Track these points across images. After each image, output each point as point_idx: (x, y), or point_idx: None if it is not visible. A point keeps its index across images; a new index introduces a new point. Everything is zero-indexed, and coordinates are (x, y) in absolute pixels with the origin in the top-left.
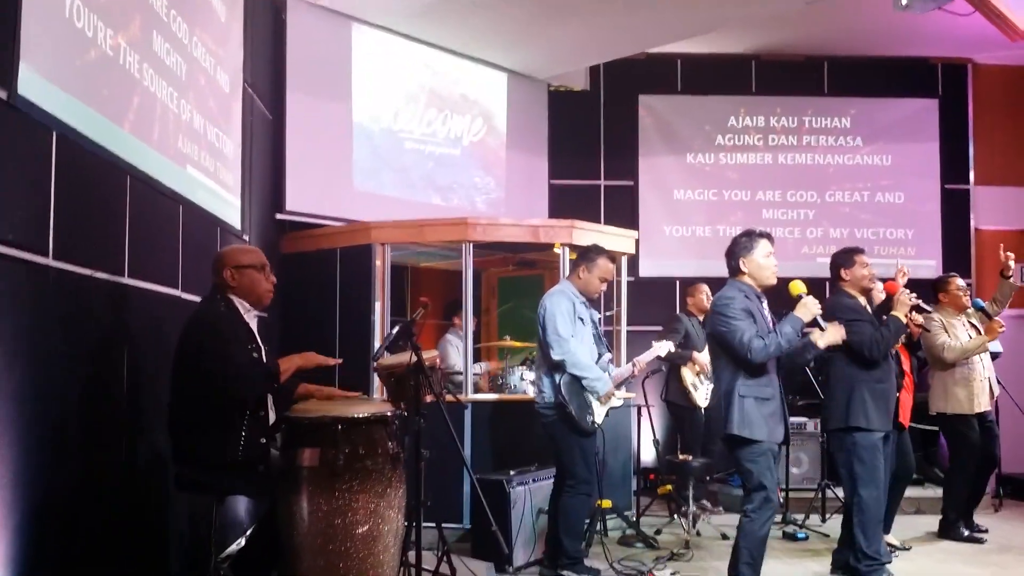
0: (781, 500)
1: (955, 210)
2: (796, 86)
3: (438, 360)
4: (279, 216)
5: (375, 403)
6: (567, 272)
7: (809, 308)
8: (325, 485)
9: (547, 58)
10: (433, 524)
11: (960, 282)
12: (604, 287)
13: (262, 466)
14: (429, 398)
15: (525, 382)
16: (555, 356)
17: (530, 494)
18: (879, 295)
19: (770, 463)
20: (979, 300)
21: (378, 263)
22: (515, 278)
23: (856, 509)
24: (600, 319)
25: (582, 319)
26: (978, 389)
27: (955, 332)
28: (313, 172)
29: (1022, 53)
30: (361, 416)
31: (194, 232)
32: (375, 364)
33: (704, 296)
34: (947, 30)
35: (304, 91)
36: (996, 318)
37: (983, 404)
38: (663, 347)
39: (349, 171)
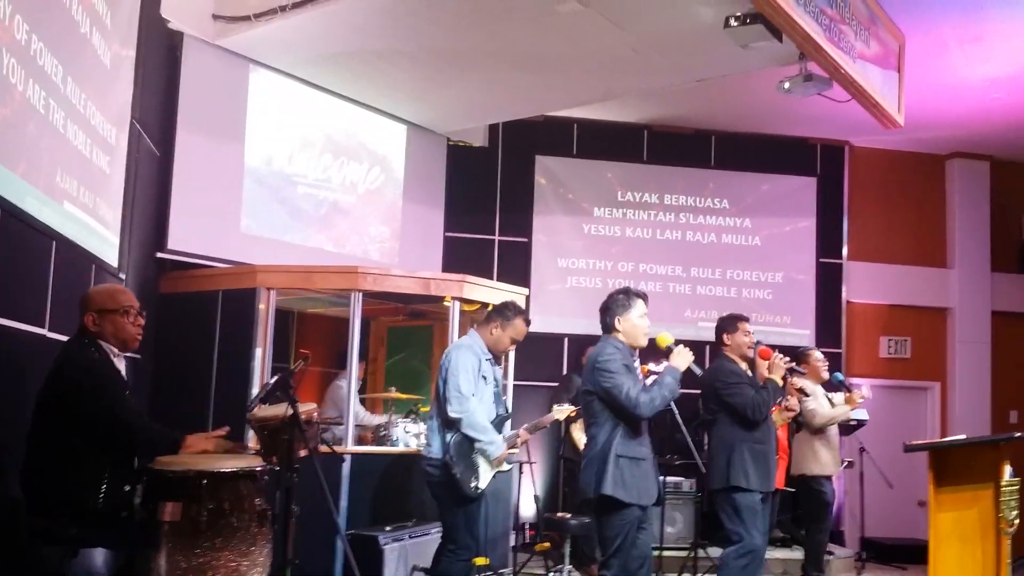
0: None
1: (829, 283)
2: (685, 158)
3: (315, 413)
4: (160, 255)
5: (244, 457)
6: (457, 326)
7: (683, 356)
8: (186, 542)
9: (447, 113)
10: None
11: (819, 354)
12: (513, 348)
13: (125, 513)
14: (303, 452)
15: (409, 435)
16: (452, 413)
17: (406, 551)
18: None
19: (633, 531)
20: (839, 374)
21: (262, 307)
22: (405, 328)
23: (724, 567)
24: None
25: (485, 377)
26: (835, 454)
27: (817, 401)
28: (199, 212)
29: (895, 139)
30: (228, 471)
31: (67, 269)
32: (249, 415)
33: None
34: (827, 114)
35: (195, 130)
36: (858, 389)
37: (838, 468)
38: (562, 411)
39: (237, 212)
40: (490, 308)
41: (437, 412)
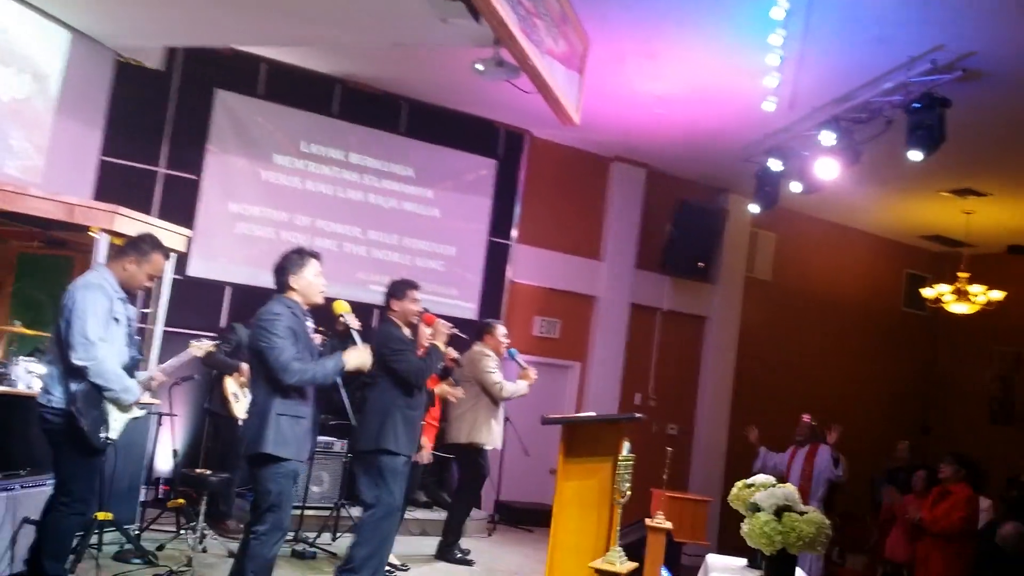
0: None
1: (496, 262)
2: (376, 120)
3: None
4: None
5: None
6: (102, 259)
7: (360, 358)
8: None
9: (120, 27)
10: None
11: (503, 329)
12: (151, 284)
13: None
14: None
15: (32, 376)
16: (77, 361)
17: (15, 502)
18: (425, 332)
19: (290, 485)
20: (514, 350)
21: None
22: (40, 257)
23: (363, 527)
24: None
25: (117, 319)
26: (502, 427)
27: (496, 374)
28: None
29: (570, 135)
30: None
31: None
32: None
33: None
34: (514, 101)
35: None
36: (529, 368)
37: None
38: (200, 348)
39: None
40: (122, 242)
41: (59, 357)
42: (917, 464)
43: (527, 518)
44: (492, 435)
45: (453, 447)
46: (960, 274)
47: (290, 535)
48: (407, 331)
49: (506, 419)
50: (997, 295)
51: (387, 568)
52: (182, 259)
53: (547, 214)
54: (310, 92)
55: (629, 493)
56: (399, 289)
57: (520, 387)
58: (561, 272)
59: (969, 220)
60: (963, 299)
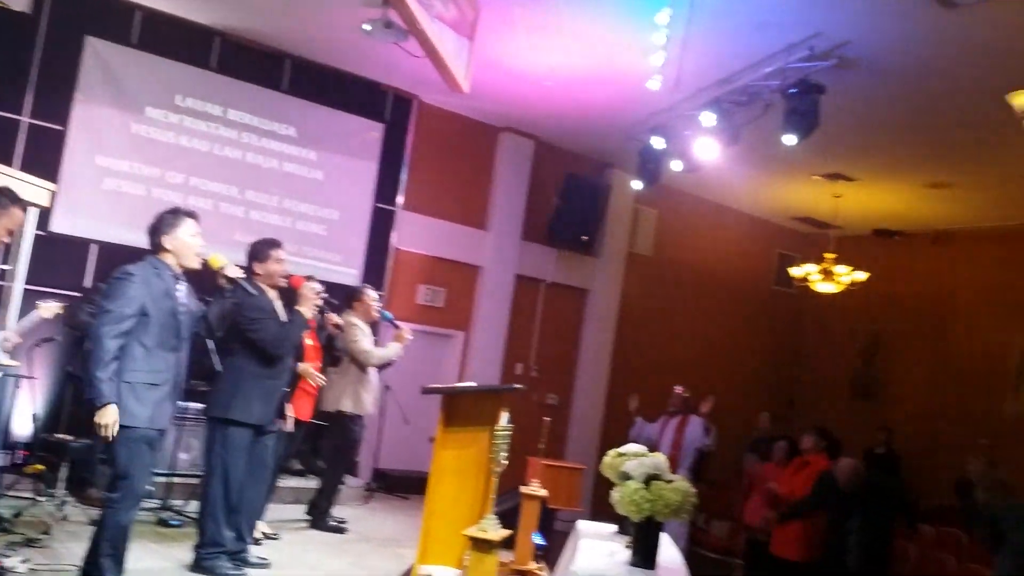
0: (152, 488)
1: (381, 227)
2: (256, 76)
3: None
4: None
5: None
6: None
7: None
8: None
9: None
10: None
11: (373, 293)
12: (8, 239)
13: None
14: None
15: None
16: None
17: None
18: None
19: (143, 451)
20: (388, 313)
21: None
22: None
23: (207, 498)
24: None
25: None
26: (375, 394)
27: (366, 340)
28: None
29: (459, 103)
30: None
31: None
32: None
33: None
34: (402, 64)
35: None
36: (404, 328)
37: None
38: (48, 309)
39: None
40: None
41: None
42: (778, 435)
43: (404, 486)
44: (359, 402)
45: (324, 415)
46: (827, 255)
47: (156, 503)
48: (273, 294)
49: (386, 387)
50: (861, 276)
51: (257, 536)
52: (45, 214)
53: (434, 181)
54: (187, 43)
55: (505, 462)
56: (260, 251)
57: (391, 350)
58: (447, 241)
59: (838, 203)
60: (829, 279)
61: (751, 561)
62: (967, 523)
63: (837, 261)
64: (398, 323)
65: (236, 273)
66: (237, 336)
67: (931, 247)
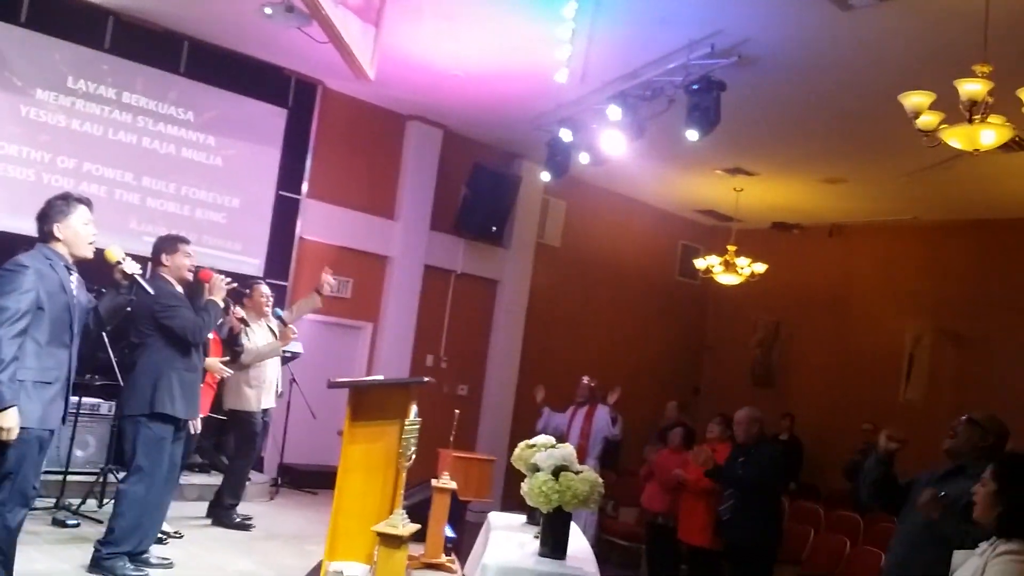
0: (39, 488)
1: (285, 216)
2: (152, 58)
3: None
4: None
5: None
6: None
7: None
8: None
9: None
10: None
11: (265, 289)
12: None
13: None
14: None
15: None
16: None
17: None
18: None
19: (33, 452)
20: (279, 309)
21: None
22: None
23: (124, 497)
24: None
25: None
26: (266, 389)
27: (255, 336)
28: None
29: (366, 90)
30: None
31: None
32: None
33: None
34: (306, 49)
35: None
36: (291, 325)
37: (268, 402)
38: None
39: None
40: None
41: None
42: (682, 422)
43: (312, 481)
44: (242, 399)
45: (222, 410)
46: (729, 247)
47: (51, 502)
48: (180, 288)
49: (292, 380)
50: (760, 268)
51: (160, 535)
52: None
53: (340, 170)
54: (79, 23)
55: (414, 456)
56: (169, 243)
57: (270, 348)
58: (354, 230)
59: (739, 197)
60: (731, 270)
61: (652, 544)
62: (857, 500)
63: (738, 253)
64: (286, 322)
65: (134, 269)
66: (151, 327)
67: (827, 240)
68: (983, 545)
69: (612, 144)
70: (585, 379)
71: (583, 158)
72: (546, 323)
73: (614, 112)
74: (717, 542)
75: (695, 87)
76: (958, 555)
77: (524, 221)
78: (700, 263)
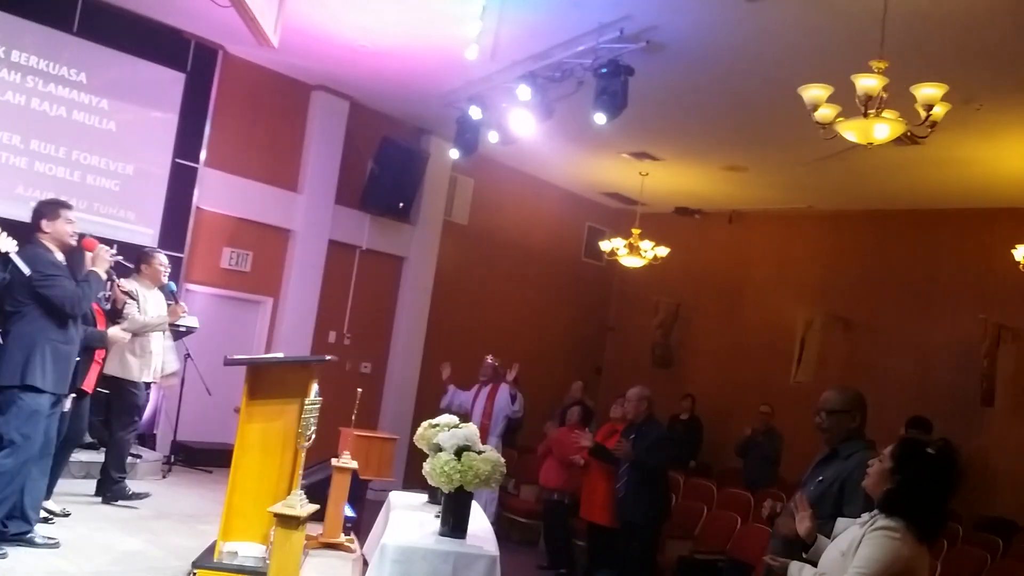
0: None
1: (181, 185)
2: (42, 14)
3: None
4: None
5: None
6: None
7: None
8: None
9: None
10: None
11: (163, 259)
12: None
13: None
14: None
15: None
16: None
17: None
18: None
19: None
20: (172, 283)
21: None
22: None
23: None
24: None
25: None
26: (151, 361)
27: (146, 305)
28: None
29: (270, 57)
30: None
31: None
32: None
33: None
34: (206, 12)
35: None
36: (181, 302)
37: (148, 376)
38: None
39: None
40: None
41: None
42: (581, 401)
43: (207, 459)
44: (126, 367)
45: (104, 381)
46: (633, 230)
47: None
48: (61, 256)
49: (187, 355)
50: (663, 251)
51: (46, 514)
52: None
53: (241, 138)
54: None
55: (314, 436)
56: (50, 208)
57: (157, 320)
58: (255, 202)
59: (644, 181)
60: (635, 253)
61: (548, 520)
62: (748, 478)
63: (642, 236)
64: (177, 298)
65: (9, 247)
66: (27, 296)
67: (727, 226)
68: (865, 516)
69: (521, 124)
70: (489, 358)
71: (492, 137)
72: (452, 301)
73: (523, 92)
74: (616, 520)
75: (603, 71)
76: (841, 522)
77: (431, 198)
78: (605, 245)
